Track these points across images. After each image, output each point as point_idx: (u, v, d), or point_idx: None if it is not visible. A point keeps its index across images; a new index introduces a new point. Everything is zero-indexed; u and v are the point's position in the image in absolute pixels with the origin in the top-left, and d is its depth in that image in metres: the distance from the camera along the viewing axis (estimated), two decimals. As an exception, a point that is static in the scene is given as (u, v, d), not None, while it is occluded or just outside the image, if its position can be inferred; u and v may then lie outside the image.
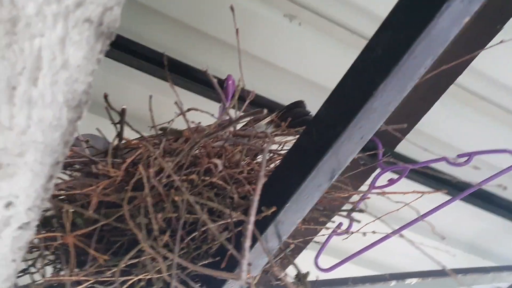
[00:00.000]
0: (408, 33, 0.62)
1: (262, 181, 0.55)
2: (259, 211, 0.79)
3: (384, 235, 1.64)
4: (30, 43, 0.41)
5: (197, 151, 0.84)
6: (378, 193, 0.99)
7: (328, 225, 1.62)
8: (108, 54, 1.31)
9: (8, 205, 0.52)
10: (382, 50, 0.65)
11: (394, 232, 1.51)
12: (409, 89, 0.68)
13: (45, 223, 0.80)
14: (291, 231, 0.84)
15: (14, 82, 0.43)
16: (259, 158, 0.98)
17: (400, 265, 2.19)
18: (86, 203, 0.74)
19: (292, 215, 0.80)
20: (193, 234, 0.83)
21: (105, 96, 0.83)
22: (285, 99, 1.61)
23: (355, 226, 1.62)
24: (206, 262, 0.85)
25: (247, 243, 0.47)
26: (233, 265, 0.86)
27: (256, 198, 0.52)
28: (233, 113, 1.34)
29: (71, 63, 0.43)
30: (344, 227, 1.65)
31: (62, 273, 0.73)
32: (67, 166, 0.89)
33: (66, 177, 0.91)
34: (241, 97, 1.48)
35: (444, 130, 1.81)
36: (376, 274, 1.41)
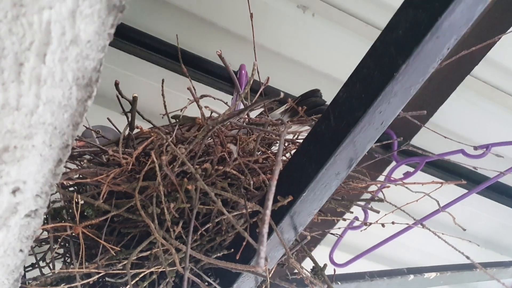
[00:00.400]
0: (431, 11, 0.59)
1: (279, 166, 0.53)
2: (275, 201, 0.76)
3: (401, 228, 1.61)
4: (39, 16, 0.39)
5: (210, 140, 0.81)
6: (397, 184, 0.96)
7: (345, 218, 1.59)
8: (118, 45, 1.29)
9: (15, 191, 0.50)
10: (403, 30, 0.62)
11: (414, 224, 1.48)
12: (431, 71, 0.65)
13: (54, 215, 0.78)
14: (308, 222, 0.81)
15: (22, 58, 0.40)
16: (274, 148, 0.96)
17: (415, 261, 2.16)
18: (96, 194, 0.72)
19: (309, 205, 0.77)
20: (207, 226, 0.81)
21: (116, 84, 0.81)
22: (298, 91, 1.58)
23: (371, 219, 1.59)
24: (220, 254, 0.82)
25: (265, 229, 0.44)
26: (248, 258, 0.84)
27: (273, 183, 0.49)
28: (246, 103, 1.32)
29: (81, 38, 0.41)
30: (360, 220, 1.62)
31: (71, 266, 0.71)
32: (77, 156, 0.88)
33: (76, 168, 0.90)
34: (253, 89, 1.47)
35: (460, 122, 1.77)
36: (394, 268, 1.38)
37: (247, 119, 0.87)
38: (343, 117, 0.69)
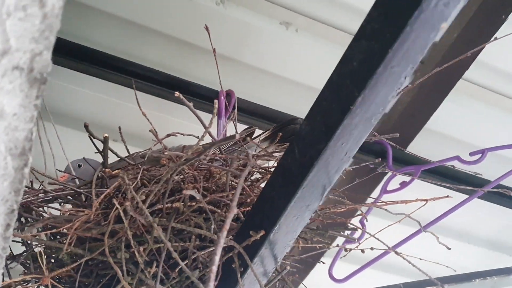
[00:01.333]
0: (383, 42, 0.58)
1: (232, 213, 0.52)
2: (247, 236, 0.76)
3: (404, 237, 1.59)
4: (-42, 95, 0.39)
5: (182, 177, 0.81)
6: (378, 206, 0.94)
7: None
8: (105, 76, 1.29)
9: (-32, 257, 0.51)
10: (358, 62, 0.61)
11: (418, 231, 1.46)
12: (392, 100, 0.64)
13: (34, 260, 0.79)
14: (285, 253, 0.81)
15: (-51, 137, 0.41)
16: (253, 177, 0.95)
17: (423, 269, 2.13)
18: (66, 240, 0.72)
19: (283, 237, 0.77)
20: (185, 262, 0.81)
21: (86, 126, 0.82)
22: (286, 106, 1.57)
23: (371, 229, 1.58)
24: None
25: (211, 283, 0.44)
26: (227, 291, 0.83)
27: (224, 234, 0.49)
28: (232, 125, 1.31)
29: (7, 112, 0.41)
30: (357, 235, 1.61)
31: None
32: (56, 198, 0.88)
33: (57, 209, 0.90)
34: (242, 109, 1.46)
35: (456, 127, 1.75)
36: (391, 284, 1.36)
37: (218, 153, 0.87)
38: (306, 150, 0.68)
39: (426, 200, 0.98)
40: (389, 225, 1.01)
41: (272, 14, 1.52)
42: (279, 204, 0.73)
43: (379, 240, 0.90)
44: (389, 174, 1.69)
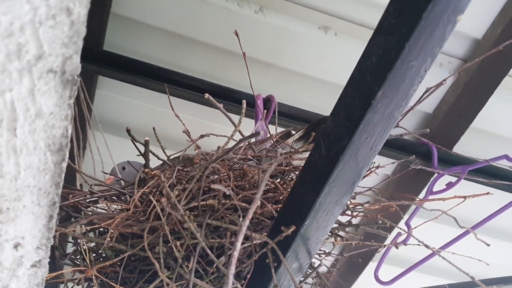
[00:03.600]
0: (399, 37, 0.60)
1: (256, 204, 0.55)
2: (278, 232, 0.78)
3: (450, 238, 1.56)
4: (2, 98, 0.44)
5: (216, 176, 0.85)
6: (414, 203, 0.93)
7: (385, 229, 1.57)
8: (150, 86, 1.36)
9: (17, 246, 0.56)
10: (376, 57, 0.63)
11: (465, 233, 1.43)
12: (413, 94, 0.65)
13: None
14: (317, 249, 0.82)
15: (-4, 134, 0.46)
16: (287, 176, 0.98)
17: (473, 271, 2.06)
18: (110, 236, 0.78)
19: (314, 233, 0.79)
20: (221, 258, 0.84)
21: (128, 130, 0.87)
22: (329, 111, 1.58)
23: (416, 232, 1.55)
24: (237, 284, 0.85)
25: (231, 269, 0.47)
26: (264, 286, 0.86)
27: (246, 222, 0.51)
28: (272, 129, 1.34)
29: (44, 111, 0.46)
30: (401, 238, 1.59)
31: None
32: (102, 198, 0.94)
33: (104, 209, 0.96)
34: (281, 112, 1.49)
35: (503, 125, 1.69)
36: (436, 285, 1.34)
37: (249, 152, 0.90)
38: (332, 146, 0.70)
39: (464, 197, 0.97)
40: (425, 222, 1.00)
41: (310, 19, 1.54)
42: (308, 199, 0.75)
43: (422, 244, 0.89)
44: (435, 175, 1.67)
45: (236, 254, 0.49)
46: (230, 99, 1.54)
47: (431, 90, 0.91)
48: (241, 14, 1.52)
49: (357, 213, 0.89)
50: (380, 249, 1.43)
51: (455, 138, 1.70)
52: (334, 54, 1.60)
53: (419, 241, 0.99)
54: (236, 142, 0.70)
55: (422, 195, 1.80)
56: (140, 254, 0.82)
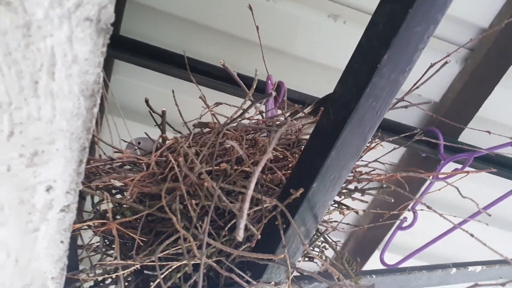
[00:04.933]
0: (403, 3, 0.64)
1: (268, 155, 0.60)
2: (288, 194, 0.83)
3: (450, 226, 1.60)
4: (44, 42, 0.49)
5: (229, 146, 0.89)
6: (415, 176, 0.97)
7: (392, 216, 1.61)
8: (152, 67, 1.41)
9: (49, 189, 0.61)
10: (383, 24, 0.67)
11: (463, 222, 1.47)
12: (416, 60, 0.69)
13: (101, 216, 0.90)
14: (324, 213, 0.87)
15: (36, 77, 0.51)
16: (294, 149, 1.02)
17: (462, 257, 2.10)
18: (130, 196, 0.82)
19: (322, 197, 0.83)
20: (233, 221, 0.89)
21: (146, 101, 0.92)
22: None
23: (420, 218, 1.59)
24: (246, 246, 0.89)
25: (246, 204, 0.51)
26: (273, 250, 0.90)
27: (259, 169, 0.56)
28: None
29: (80, 57, 0.51)
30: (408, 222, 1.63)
31: (111, 259, 0.82)
32: (121, 166, 0.99)
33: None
34: (289, 98, 1.54)
35: (509, 114, 1.73)
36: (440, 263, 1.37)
37: (260, 122, 0.95)
38: (339, 111, 0.75)
39: (467, 172, 1.00)
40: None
41: (320, 7, 1.59)
42: (316, 163, 0.79)
43: (443, 216, 0.93)
44: (442, 162, 1.71)
45: (250, 192, 0.53)
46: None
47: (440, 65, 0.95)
48: (253, 1, 1.56)
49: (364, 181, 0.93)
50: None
51: (461, 127, 1.73)
52: (343, 42, 1.64)
53: (440, 214, 1.01)
54: (249, 105, 0.75)
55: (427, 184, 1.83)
56: (157, 215, 0.87)
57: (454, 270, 1.18)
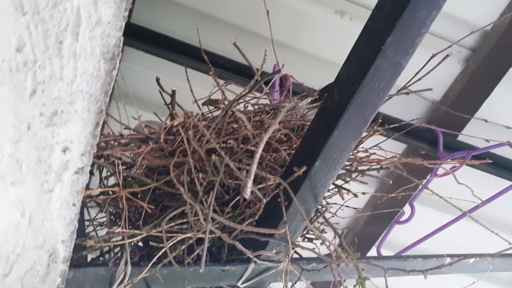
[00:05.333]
0: (410, -13, 0.68)
1: (275, 126, 0.63)
2: (291, 172, 0.86)
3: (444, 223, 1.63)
4: (70, 3, 0.53)
5: (236, 125, 0.93)
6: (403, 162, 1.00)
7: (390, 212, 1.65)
8: (169, 58, 1.44)
9: (65, 149, 0.64)
10: (389, 7, 0.71)
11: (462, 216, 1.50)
12: (418, 44, 0.72)
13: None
14: (324, 192, 0.90)
15: (61, 37, 0.54)
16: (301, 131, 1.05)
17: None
18: (139, 168, 0.86)
19: (323, 175, 0.86)
20: (237, 198, 0.92)
21: (157, 79, 0.95)
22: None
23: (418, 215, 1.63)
24: (248, 222, 0.92)
25: (254, 164, 0.54)
26: (274, 227, 0.93)
27: (266, 136, 0.59)
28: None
29: (103, 20, 0.55)
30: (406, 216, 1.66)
31: (117, 228, 0.85)
32: (129, 143, 1.02)
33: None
34: (296, 92, 1.57)
35: (508, 115, 1.76)
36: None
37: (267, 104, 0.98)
38: (343, 92, 0.78)
39: (463, 162, 1.03)
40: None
41: (327, 3, 1.62)
42: (320, 142, 0.82)
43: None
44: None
45: (259, 150, 0.56)
46: (248, 76, 1.62)
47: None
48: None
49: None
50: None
51: (461, 125, 1.77)
52: (348, 39, 1.67)
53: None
54: (255, 82, 0.78)
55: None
56: (164, 189, 0.90)
57: (448, 259, 1.20)
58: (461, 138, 1.82)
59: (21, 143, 0.62)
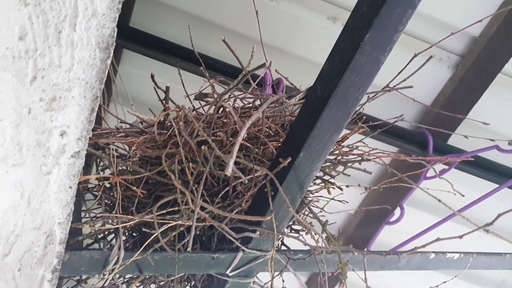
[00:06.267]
0: (385, -13, 0.73)
1: (258, 114, 0.68)
2: (277, 163, 0.90)
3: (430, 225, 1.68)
4: (69, -4, 0.58)
5: (226, 120, 0.98)
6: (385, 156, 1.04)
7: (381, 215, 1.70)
8: (167, 61, 1.50)
9: (63, 134, 0.69)
10: (366, 6, 0.76)
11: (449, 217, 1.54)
12: (396, 40, 0.77)
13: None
14: (309, 184, 0.94)
15: (60, 27, 0.60)
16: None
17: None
18: (132, 158, 0.90)
19: (308, 166, 0.91)
20: (226, 189, 0.96)
21: (152, 76, 1.00)
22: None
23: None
24: (237, 210, 0.97)
25: (237, 145, 0.59)
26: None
27: (250, 122, 0.64)
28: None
29: (98, 12, 0.60)
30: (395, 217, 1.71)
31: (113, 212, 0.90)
32: (125, 136, 1.07)
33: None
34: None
35: (496, 119, 1.80)
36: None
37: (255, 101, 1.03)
38: (326, 86, 0.83)
39: (448, 160, 1.08)
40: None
41: (320, 9, 1.68)
42: (304, 134, 0.87)
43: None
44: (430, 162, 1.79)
45: (242, 133, 0.61)
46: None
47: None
48: (258, 1, 1.66)
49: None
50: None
51: (450, 130, 1.81)
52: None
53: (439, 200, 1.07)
54: (243, 75, 0.83)
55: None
56: (157, 178, 0.94)
57: (432, 255, 1.24)
58: (451, 142, 1.87)
59: (22, 126, 0.67)
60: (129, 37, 1.63)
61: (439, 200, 1.15)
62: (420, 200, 1.97)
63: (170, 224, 0.90)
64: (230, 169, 0.58)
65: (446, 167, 1.72)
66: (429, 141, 1.78)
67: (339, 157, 1.00)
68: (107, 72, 0.65)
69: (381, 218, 1.99)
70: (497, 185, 1.64)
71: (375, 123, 1.21)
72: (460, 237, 0.91)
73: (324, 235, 0.95)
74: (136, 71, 1.80)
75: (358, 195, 2.08)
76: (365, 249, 1.71)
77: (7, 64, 0.61)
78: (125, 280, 1.07)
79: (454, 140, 1.87)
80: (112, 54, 0.64)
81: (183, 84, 1.06)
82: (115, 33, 0.62)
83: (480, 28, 1.67)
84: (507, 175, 1.73)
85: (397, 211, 1.80)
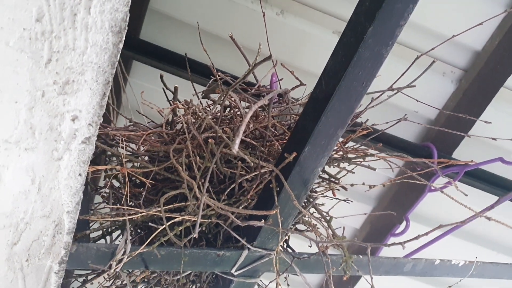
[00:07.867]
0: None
1: (263, 101, 0.70)
2: (282, 158, 0.92)
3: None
4: (85, -20, 0.61)
5: (232, 112, 1.00)
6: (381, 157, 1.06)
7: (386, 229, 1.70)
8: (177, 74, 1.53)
9: (74, 118, 0.71)
10: (369, 2, 0.79)
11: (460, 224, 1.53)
12: (398, 35, 0.80)
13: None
14: (314, 180, 0.95)
15: (75, 10, 0.62)
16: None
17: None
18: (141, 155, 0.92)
19: (312, 162, 0.92)
20: (232, 186, 0.98)
21: (161, 76, 1.03)
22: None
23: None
24: (242, 206, 0.98)
25: (244, 123, 0.61)
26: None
27: (256, 106, 0.66)
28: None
29: (112, -4, 0.63)
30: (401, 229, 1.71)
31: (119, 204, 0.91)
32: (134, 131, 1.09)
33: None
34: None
35: (499, 133, 1.82)
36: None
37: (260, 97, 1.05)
38: (330, 81, 0.85)
39: (447, 161, 1.09)
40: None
41: (325, 24, 1.72)
42: (308, 129, 0.89)
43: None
44: (435, 175, 1.80)
45: (247, 119, 0.63)
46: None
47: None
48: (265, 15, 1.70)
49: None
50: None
51: (455, 144, 1.83)
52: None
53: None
54: (250, 69, 0.85)
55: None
56: (164, 174, 0.96)
57: (437, 261, 1.24)
58: (455, 155, 1.88)
59: (35, 109, 0.69)
60: (139, 49, 1.68)
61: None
62: (424, 215, 1.97)
63: (177, 219, 0.91)
64: (236, 147, 0.59)
65: (451, 179, 1.73)
66: (433, 154, 1.79)
67: (344, 154, 1.01)
68: (118, 56, 0.68)
69: (386, 232, 1.98)
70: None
71: (378, 133, 1.23)
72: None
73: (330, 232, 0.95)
74: (146, 85, 1.84)
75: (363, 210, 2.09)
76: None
77: (24, 46, 0.63)
78: (131, 280, 1.08)
79: (458, 154, 1.88)
80: (123, 38, 0.66)
81: (194, 87, 1.09)
82: (128, 18, 0.65)
83: (483, 42, 1.70)
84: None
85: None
